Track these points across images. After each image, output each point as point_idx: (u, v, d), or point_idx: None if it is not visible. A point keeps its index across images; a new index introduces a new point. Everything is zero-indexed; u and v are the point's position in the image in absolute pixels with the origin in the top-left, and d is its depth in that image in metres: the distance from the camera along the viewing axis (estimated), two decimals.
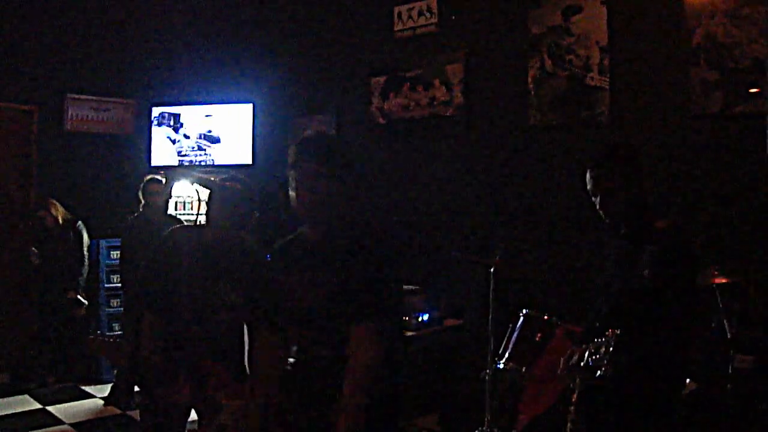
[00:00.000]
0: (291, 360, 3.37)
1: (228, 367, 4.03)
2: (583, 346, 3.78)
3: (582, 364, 3.65)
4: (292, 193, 3.24)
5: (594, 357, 3.46)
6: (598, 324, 3.88)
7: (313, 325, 3.21)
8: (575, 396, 3.90)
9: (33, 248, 8.26)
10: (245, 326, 4.25)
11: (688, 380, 4.84)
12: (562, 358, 4.06)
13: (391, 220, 7.66)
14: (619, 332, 3.36)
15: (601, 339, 3.44)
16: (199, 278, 4.14)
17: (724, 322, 4.65)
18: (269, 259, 3.54)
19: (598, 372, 3.40)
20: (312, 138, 3.34)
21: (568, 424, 4.08)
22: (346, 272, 3.11)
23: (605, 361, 3.36)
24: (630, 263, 3.73)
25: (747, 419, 4.74)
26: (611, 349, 3.35)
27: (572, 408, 3.97)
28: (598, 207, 3.80)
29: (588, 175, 3.82)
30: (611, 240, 3.99)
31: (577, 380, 3.84)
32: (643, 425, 3.73)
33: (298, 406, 3.24)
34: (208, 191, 4.20)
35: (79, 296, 8.21)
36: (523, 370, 5.04)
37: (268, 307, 3.48)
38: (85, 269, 8.36)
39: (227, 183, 4.32)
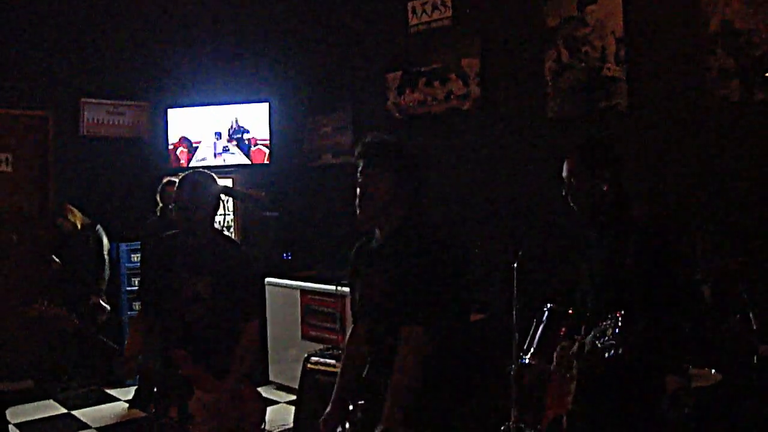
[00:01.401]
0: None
1: (200, 359, 4.08)
2: (576, 337, 3.85)
3: (586, 350, 3.69)
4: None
5: (602, 340, 3.49)
6: (588, 314, 3.94)
7: (377, 323, 3.38)
8: (573, 386, 3.94)
9: (53, 256, 8.26)
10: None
11: (713, 371, 4.83)
12: (555, 353, 4.12)
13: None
14: (623, 312, 3.40)
15: (607, 322, 3.48)
16: (170, 272, 4.17)
17: (749, 312, 4.62)
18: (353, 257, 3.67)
19: (606, 354, 3.44)
20: (372, 142, 3.46)
21: (564, 417, 4.13)
22: (400, 274, 3.22)
23: (614, 342, 3.39)
24: (612, 254, 3.82)
25: None
26: (618, 329, 3.39)
27: (569, 398, 4.00)
28: (565, 194, 3.92)
29: (564, 167, 3.94)
30: (590, 231, 4.05)
31: (574, 370, 3.88)
32: (641, 408, 3.80)
33: (372, 399, 3.35)
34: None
35: (101, 301, 8.22)
36: (549, 365, 5.01)
37: (353, 299, 3.64)
38: (107, 273, 8.37)
39: (195, 170, 4.36)
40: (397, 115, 7.87)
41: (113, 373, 7.99)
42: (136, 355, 4.14)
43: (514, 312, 5.68)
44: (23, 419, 7.32)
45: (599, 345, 3.52)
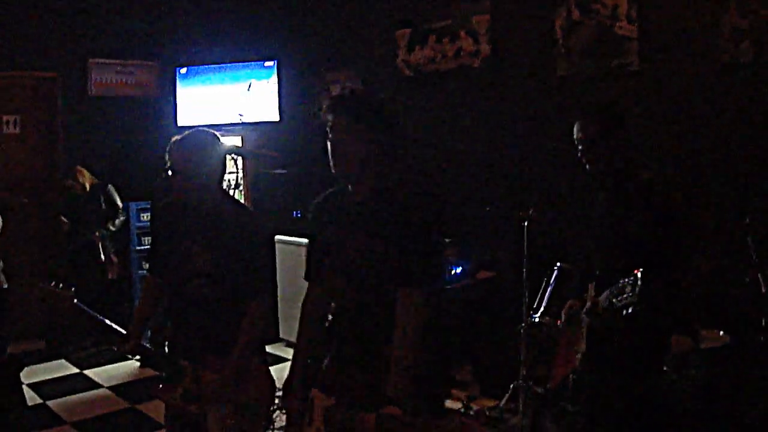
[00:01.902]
0: (329, 317, 3.39)
1: (204, 338, 3.81)
2: (585, 294, 3.92)
3: (601, 307, 3.74)
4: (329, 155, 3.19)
5: (619, 298, 3.55)
6: (599, 272, 4.03)
7: (356, 282, 3.18)
8: (582, 344, 3.98)
9: (62, 217, 8.28)
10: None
11: (721, 332, 4.85)
12: (562, 311, 4.16)
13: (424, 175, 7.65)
14: (642, 271, 3.42)
15: (624, 280, 3.55)
16: (173, 241, 3.89)
17: (759, 275, 4.62)
18: (312, 210, 3.45)
19: (624, 312, 3.48)
20: (342, 95, 3.25)
21: (571, 375, 4.16)
22: (394, 234, 3.05)
23: (633, 300, 3.44)
24: (619, 214, 3.92)
25: None
26: (638, 287, 3.42)
27: (578, 356, 4.04)
28: (580, 155, 3.95)
29: (575, 128, 3.99)
30: (597, 192, 4.13)
31: (584, 328, 3.93)
32: (648, 366, 3.92)
33: (343, 365, 3.23)
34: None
35: (106, 250, 8.27)
36: (558, 323, 5.03)
37: (316, 257, 3.43)
38: (119, 221, 8.41)
39: (197, 129, 4.01)
40: (407, 72, 7.83)
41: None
42: (139, 331, 3.99)
43: (524, 271, 5.69)
44: (36, 379, 7.36)
45: (617, 303, 3.56)
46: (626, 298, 3.51)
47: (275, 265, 8.21)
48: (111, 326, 3.95)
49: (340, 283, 3.27)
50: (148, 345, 4.21)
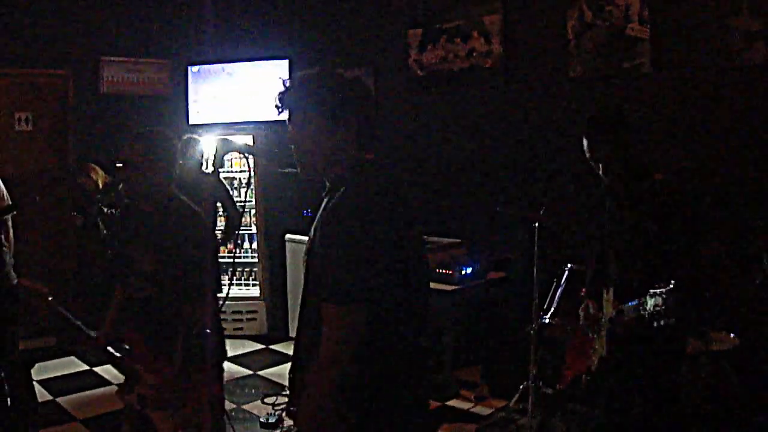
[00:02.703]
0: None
1: (148, 341, 3.68)
2: (604, 300, 3.90)
3: (628, 317, 3.72)
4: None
5: (650, 310, 3.54)
6: (615, 277, 4.01)
7: (304, 290, 2.83)
8: (599, 348, 3.97)
9: (74, 213, 8.28)
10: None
11: (732, 335, 4.85)
12: (581, 312, 4.15)
13: (432, 174, 7.64)
14: (673, 283, 3.42)
15: (656, 291, 3.52)
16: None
17: None
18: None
19: (656, 323, 3.48)
20: (297, 80, 2.75)
21: (583, 377, 4.15)
22: (322, 240, 2.59)
23: (668, 312, 3.44)
24: (634, 217, 3.89)
25: None
26: (671, 300, 3.41)
27: (592, 359, 4.03)
28: (600, 172, 3.92)
29: (585, 143, 3.95)
30: (609, 194, 4.11)
31: (603, 332, 3.92)
32: (665, 370, 3.89)
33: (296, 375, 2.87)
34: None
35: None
36: (568, 325, 5.04)
37: None
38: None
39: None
40: (419, 71, 7.83)
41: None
42: (106, 334, 3.94)
43: (534, 271, 5.68)
44: (46, 376, 7.39)
45: (646, 313, 3.54)
46: (658, 310, 3.48)
47: (285, 260, 8.19)
48: (81, 327, 3.91)
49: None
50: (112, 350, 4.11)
